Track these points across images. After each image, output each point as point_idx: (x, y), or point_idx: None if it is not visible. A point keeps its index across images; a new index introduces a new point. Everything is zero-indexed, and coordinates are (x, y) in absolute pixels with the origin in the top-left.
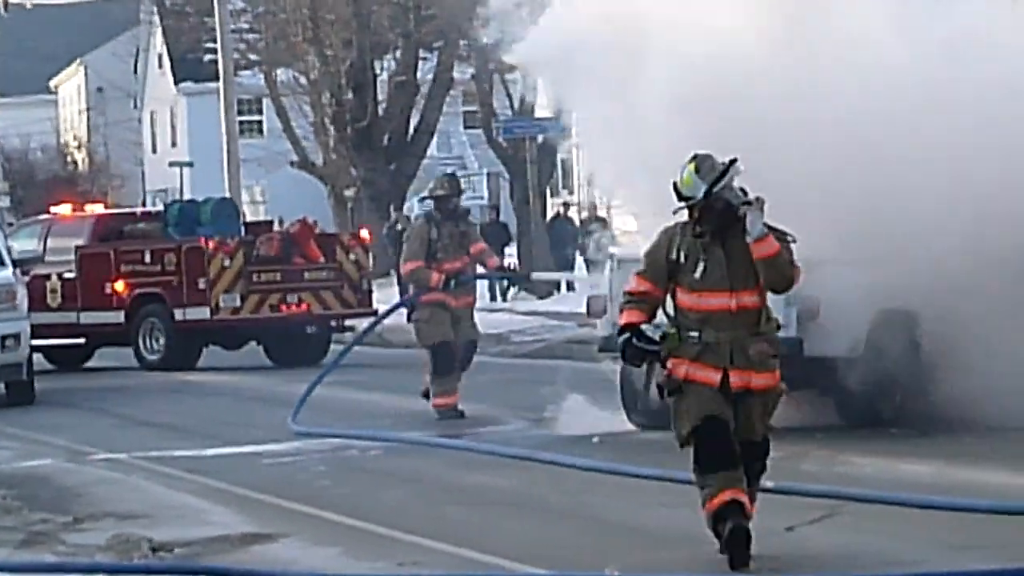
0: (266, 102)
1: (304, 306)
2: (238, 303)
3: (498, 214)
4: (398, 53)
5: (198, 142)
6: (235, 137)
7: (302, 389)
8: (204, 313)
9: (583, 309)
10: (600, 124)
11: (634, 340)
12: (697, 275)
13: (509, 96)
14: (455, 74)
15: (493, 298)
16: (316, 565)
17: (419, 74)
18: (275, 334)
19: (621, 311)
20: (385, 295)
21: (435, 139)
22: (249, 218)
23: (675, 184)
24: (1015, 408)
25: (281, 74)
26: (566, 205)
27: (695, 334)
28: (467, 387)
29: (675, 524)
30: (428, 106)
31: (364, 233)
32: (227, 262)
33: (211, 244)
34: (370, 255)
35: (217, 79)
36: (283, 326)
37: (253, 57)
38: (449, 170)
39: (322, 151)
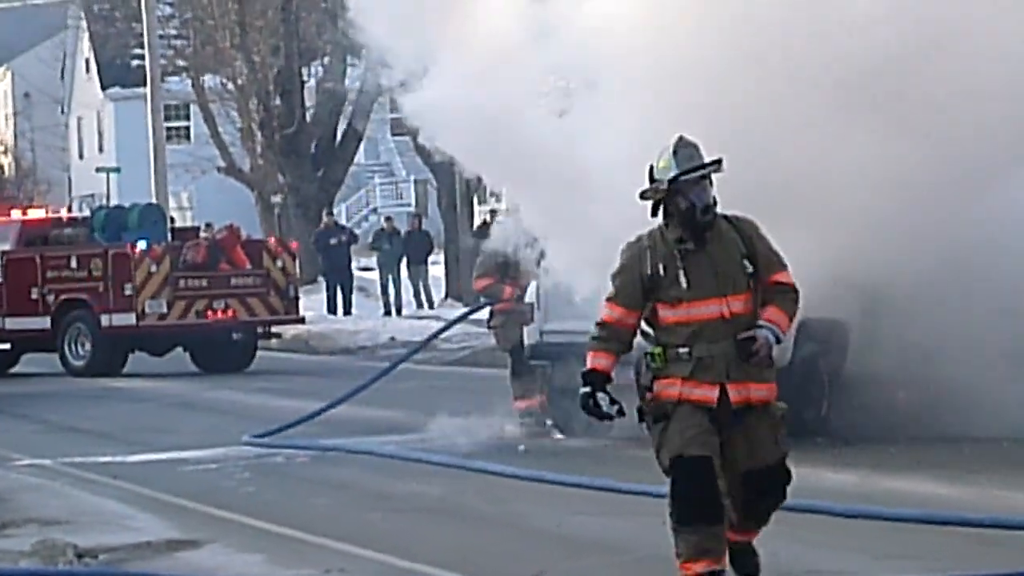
0: (193, 108)
1: (230, 312)
2: (164, 309)
3: (420, 222)
4: (326, 60)
5: (125, 147)
6: (162, 143)
7: (228, 395)
8: (130, 319)
9: None
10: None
11: (595, 399)
12: (683, 285)
13: None
14: (383, 81)
15: (420, 305)
16: (241, 572)
17: (347, 81)
18: (201, 340)
19: (588, 349)
20: (311, 302)
21: (363, 146)
22: (176, 224)
23: (651, 167)
24: (940, 419)
25: (209, 80)
26: (493, 212)
27: (685, 350)
28: (394, 393)
29: (599, 532)
30: (356, 113)
31: (292, 240)
32: (153, 268)
33: (137, 250)
34: (297, 262)
35: (144, 84)
36: (209, 332)
37: (180, 63)
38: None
39: (249, 157)
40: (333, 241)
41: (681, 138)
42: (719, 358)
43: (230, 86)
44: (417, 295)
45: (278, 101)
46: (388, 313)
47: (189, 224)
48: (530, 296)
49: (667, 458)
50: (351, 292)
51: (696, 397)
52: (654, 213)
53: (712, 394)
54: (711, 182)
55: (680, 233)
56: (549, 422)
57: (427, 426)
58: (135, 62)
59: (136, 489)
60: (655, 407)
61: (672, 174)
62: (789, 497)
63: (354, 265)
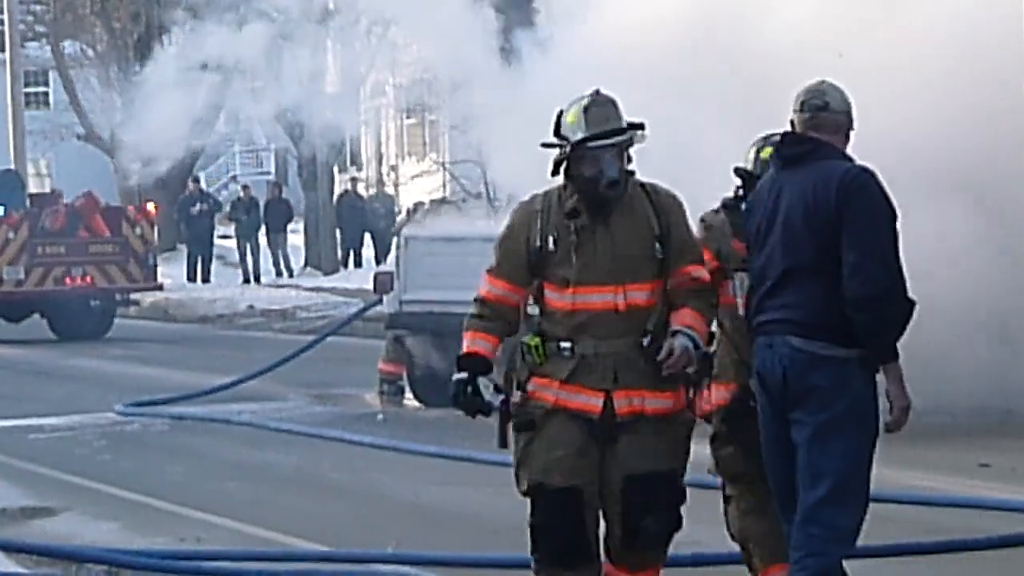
0: (53, 74)
1: (88, 279)
2: (22, 276)
3: (281, 191)
4: (187, 27)
5: None
6: (21, 109)
7: (85, 363)
8: None
9: (369, 286)
10: None
11: (468, 388)
12: (571, 266)
13: (297, 72)
14: (244, 49)
15: (279, 274)
16: (96, 539)
17: (208, 48)
18: (59, 307)
19: (466, 329)
20: (171, 269)
21: (223, 113)
22: (34, 190)
23: (558, 116)
24: None
25: (68, 46)
26: (354, 181)
27: (567, 345)
28: (251, 363)
29: (456, 502)
30: (216, 80)
31: (150, 207)
32: (11, 235)
33: None
34: (156, 229)
35: (3, 50)
36: (67, 299)
37: (40, 29)
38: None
39: (108, 124)
40: (196, 209)
41: (598, 93)
42: (607, 358)
43: (90, 52)
44: (276, 263)
45: (138, 68)
46: (247, 281)
47: (47, 191)
48: (389, 265)
49: (526, 481)
50: (211, 260)
51: (575, 405)
52: (554, 172)
53: (595, 402)
54: (627, 151)
55: (575, 204)
56: (408, 391)
57: (285, 395)
58: None
59: None
60: (521, 411)
61: (580, 136)
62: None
63: (215, 233)
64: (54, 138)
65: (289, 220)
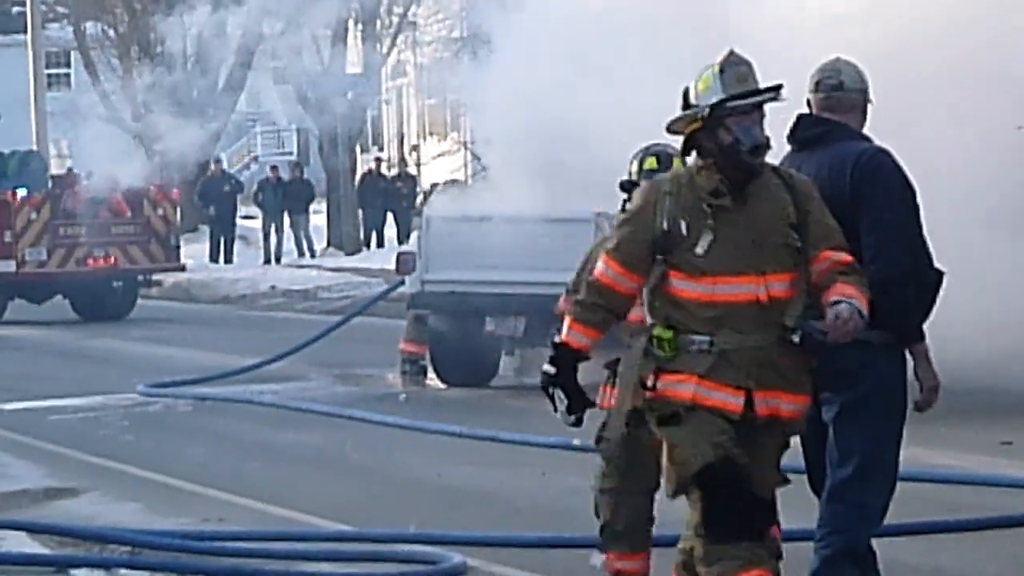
0: (74, 55)
1: (111, 260)
2: (44, 257)
3: (302, 171)
4: (208, 7)
5: (5, 95)
6: (43, 90)
7: (107, 344)
8: (10, 266)
9: (392, 266)
10: None
11: (562, 388)
12: (701, 251)
13: (319, 52)
14: (264, 29)
15: (301, 254)
16: (119, 520)
17: (229, 29)
18: (81, 288)
19: (568, 315)
20: (192, 250)
21: (244, 94)
22: (55, 171)
23: (685, 92)
24: None
25: (90, 27)
26: (377, 161)
27: (703, 339)
28: (274, 343)
29: (479, 481)
30: (237, 61)
31: (173, 188)
32: (33, 215)
33: (17, 197)
34: (177, 210)
35: (25, 31)
36: (89, 280)
37: (61, 10)
38: (254, 123)
39: (130, 105)
40: (221, 190)
41: (732, 53)
42: (747, 354)
43: (111, 33)
44: (299, 244)
45: (160, 49)
46: (268, 262)
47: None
48: (412, 245)
49: (691, 468)
50: (233, 241)
51: (713, 402)
52: (685, 151)
53: (735, 401)
54: (764, 117)
55: (716, 182)
56: (431, 371)
57: (307, 375)
58: (16, 8)
59: (13, 437)
60: (661, 404)
61: (716, 98)
62: None
63: (237, 214)
64: (76, 119)
65: (311, 200)
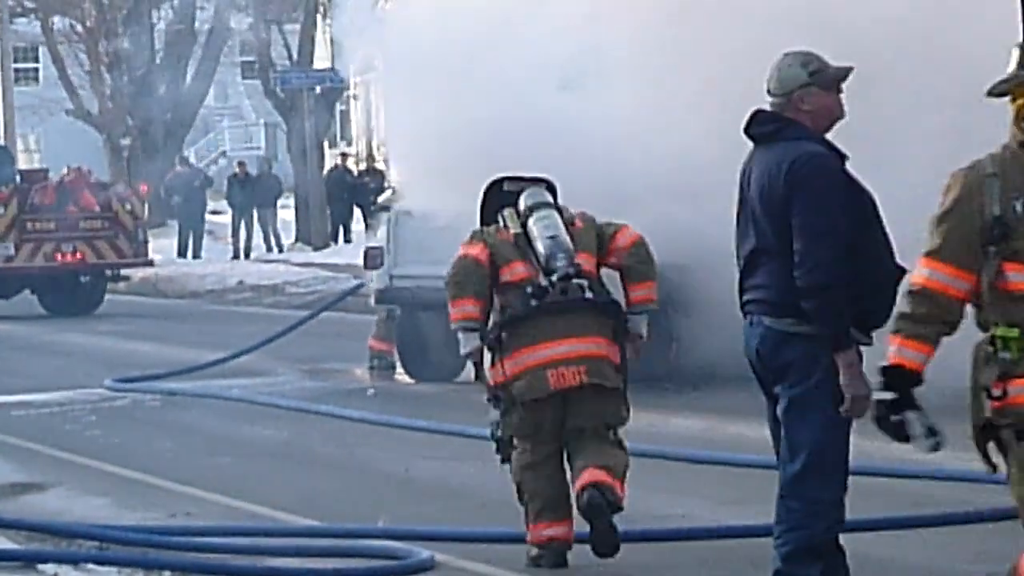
0: (42, 50)
1: (79, 255)
2: (11, 252)
3: (270, 166)
4: (175, 2)
5: None
6: (10, 84)
7: (75, 339)
8: None
9: (359, 261)
10: None
11: (902, 413)
12: None
13: (287, 47)
14: (232, 24)
15: (269, 249)
16: (86, 515)
17: (196, 23)
18: (49, 283)
19: (895, 332)
20: (160, 245)
21: (212, 89)
22: (23, 166)
23: (1021, 48)
24: None
25: (57, 21)
26: (344, 156)
27: None
28: (241, 337)
29: (446, 476)
30: (205, 55)
31: (141, 183)
32: (1, 210)
33: None
34: (145, 205)
35: None
36: (57, 275)
37: (29, 4)
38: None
39: (98, 100)
40: (190, 184)
41: None
42: None
43: (79, 28)
44: (267, 239)
45: (127, 43)
46: (236, 256)
47: (36, 167)
48: (379, 239)
49: None
50: (202, 236)
51: None
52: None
53: None
54: None
55: None
56: (398, 366)
57: (275, 370)
58: None
59: None
60: (1016, 414)
61: None
62: (639, 442)
63: (206, 209)
64: (43, 114)
65: (279, 195)
